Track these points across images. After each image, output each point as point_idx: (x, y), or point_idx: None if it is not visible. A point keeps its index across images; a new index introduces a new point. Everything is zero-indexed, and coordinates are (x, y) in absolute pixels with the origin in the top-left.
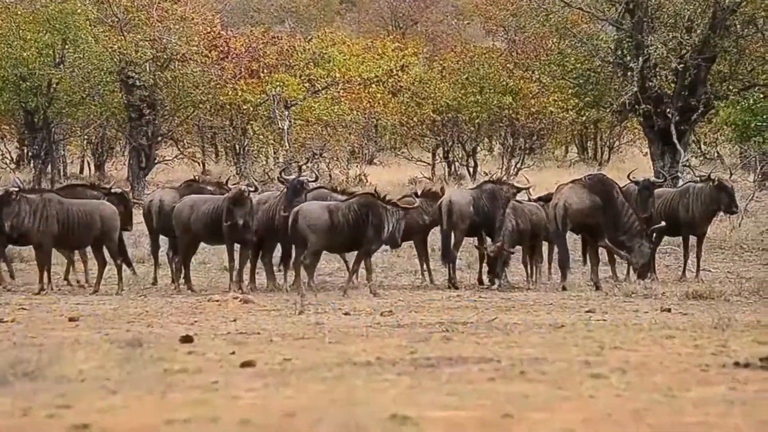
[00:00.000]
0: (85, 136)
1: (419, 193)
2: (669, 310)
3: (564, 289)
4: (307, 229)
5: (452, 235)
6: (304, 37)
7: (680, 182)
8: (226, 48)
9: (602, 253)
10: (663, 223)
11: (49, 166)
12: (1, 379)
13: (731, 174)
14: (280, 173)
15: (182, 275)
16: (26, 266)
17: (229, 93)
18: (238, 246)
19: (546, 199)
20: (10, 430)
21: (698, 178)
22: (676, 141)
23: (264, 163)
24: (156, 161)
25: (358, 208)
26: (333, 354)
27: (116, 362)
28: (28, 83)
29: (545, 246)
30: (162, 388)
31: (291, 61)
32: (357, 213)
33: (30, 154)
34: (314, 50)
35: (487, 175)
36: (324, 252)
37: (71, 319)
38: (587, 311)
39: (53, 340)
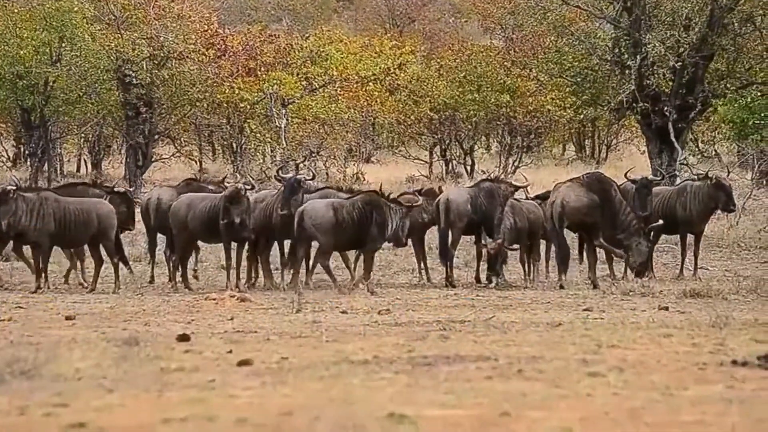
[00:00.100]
0: (82, 135)
1: (421, 191)
2: (666, 309)
3: (561, 287)
4: (313, 229)
5: (450, 233)
6: (302, 35)
7: (678, 180)
8: (224, 46)
9: (600, 252)
10: (660, 222)
11: (46, 165)
12: None
13: (729, 172)
14: (278, 171)
15: (179, 273)
16: (23, 265)
17: (226, 91)
18: (235, 244)
19: (544, 198)
20: (6, 428)
21: (696, 176)
22: (673, 139)
23: (261, 161)
24: (153, 159)
25: (362, 206)
26: (330, 352)
27: (113, 361)
28: (24, 81)
29: (543, 244)
30: (159, 387)
31: (288, 59)
32: (361, 211)
33: (27, 152)
34: (311, 48)
35: (484, 173)
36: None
37: (68, 318)
38: (585, 309)
39: (50, 338)
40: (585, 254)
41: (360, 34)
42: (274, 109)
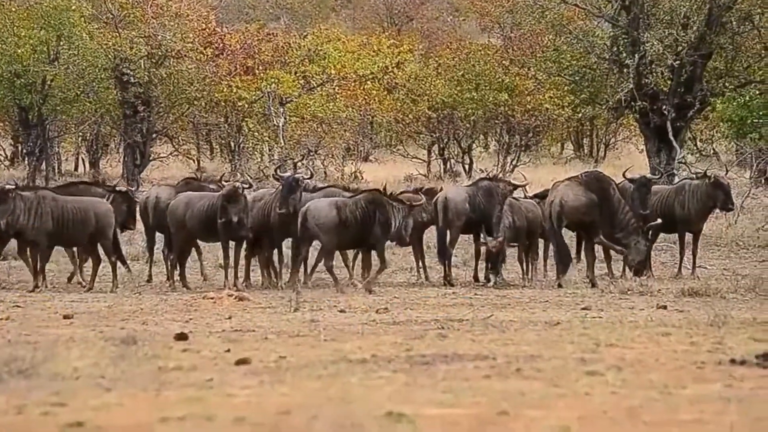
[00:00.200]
0: (80, 133)
1: (422, 190)
2: (665, 308)
3: (560, 286)
4: (316, 228)
5: (448, 232)
6: (300, 34)
7: (676, 179)
8: (221, 45)
9: (598, 251)
10: (659, 220)
11: (44, 164)
12: None
13: (727, 171)
14: (276, 170)
15: (177, 272)
16: (20, 264)
17: (224, 90)
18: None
19: (542, 197)
20: (4, 427)
21: (694, 175)
22: (672, 138)
23: (259, 160)
24: (151, 158)
25: (365, 205)
26: (328, 351)
27: (111, 360)
28: (22, 80)
29: (541, 243)
30: (156, 386)
31: (286, 57)
32: (364, 210)
33: (24, 151)
34: (309, 47)
35: (483, 172)
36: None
37: (66, 317)
38: (583, 308)
39: (48, 337)
40: (583, 253)
41: (358, 32)
42: (272, 108)
